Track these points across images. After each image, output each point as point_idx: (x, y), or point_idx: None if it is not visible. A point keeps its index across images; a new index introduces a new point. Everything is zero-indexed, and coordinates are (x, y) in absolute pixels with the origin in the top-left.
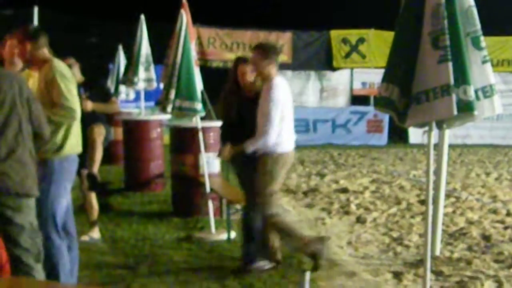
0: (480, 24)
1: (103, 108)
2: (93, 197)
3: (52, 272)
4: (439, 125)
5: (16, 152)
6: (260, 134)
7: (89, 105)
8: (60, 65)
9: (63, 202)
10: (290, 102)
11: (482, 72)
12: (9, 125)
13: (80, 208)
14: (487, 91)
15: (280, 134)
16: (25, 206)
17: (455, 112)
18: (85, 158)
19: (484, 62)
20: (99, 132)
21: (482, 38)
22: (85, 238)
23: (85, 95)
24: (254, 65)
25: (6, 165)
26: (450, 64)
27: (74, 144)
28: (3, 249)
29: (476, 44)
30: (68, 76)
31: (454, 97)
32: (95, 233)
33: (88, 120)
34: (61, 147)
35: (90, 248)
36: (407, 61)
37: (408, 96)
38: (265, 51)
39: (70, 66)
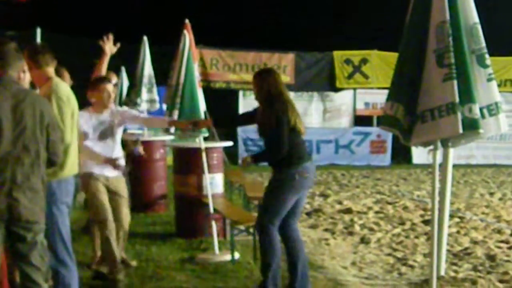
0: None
1: None
2: None
3: None
4: (444, 144)
5: (31, 180)
6: None
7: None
8: (59, 85)
9: (67, 223)
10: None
11: (487, 90)
12: (27, 152)
13: (83, 230)
14: (492, 109)
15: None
16: (35, 227)
17: (461, 131)
18: None
19: (489, 80)
20: None
21: (487, 55)
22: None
23: None
24: None
25: (20, 191)
26: (455, 82)
27: (72, 166)
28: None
29: (481, 62)
30: (64, 97)
31: (459, 115)
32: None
33: None
34: (59, 169)
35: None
36: (412, 79)
37: (413, 115)
38: None
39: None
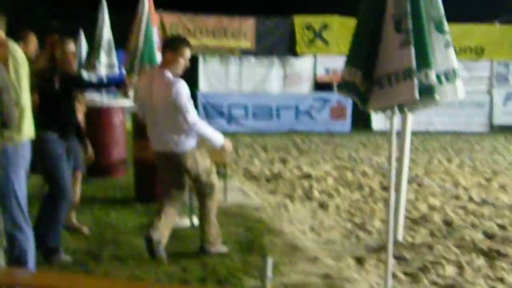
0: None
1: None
2: None
3: (20, 259)
4: (401, 109)
5: None
6: None
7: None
8: (15, 48)
9: (24, 187)
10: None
11: (445, 56)
12: None
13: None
14: (449, 76)
15: None
16: None
17: (417, 96)
18: None
19: (447, 46)
20: None
21: (445, 21)
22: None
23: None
24: None
25: None
26: (412, 47)
27: (27, 130)
28: None
29: (439, 28)
30: (20, 60)
31: (415, 81)
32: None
33: None
34: (16, 133)
35: None
36: (370, 45)
37: (370, 80)
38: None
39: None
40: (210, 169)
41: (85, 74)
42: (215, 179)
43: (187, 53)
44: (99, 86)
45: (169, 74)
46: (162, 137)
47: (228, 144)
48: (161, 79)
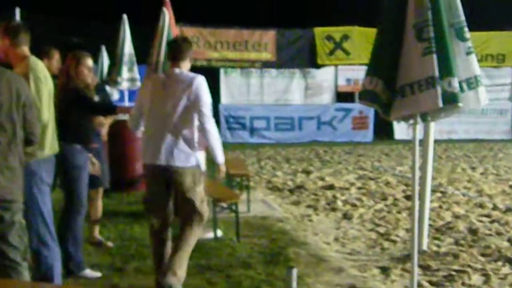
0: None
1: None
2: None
3: (46, 275)
4: (424, 118)
5: (8, 159)
6: None
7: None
8: (36, 64)
9: (49, 203)
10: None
11: (466, 64)
12: (4, 131)
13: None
14: (471, 83)
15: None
16: (13, 206)
17: (440, 104)
18: None
19: (468, 53)
20: None
21: (466, 29)
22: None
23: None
24: None
25: None
26: (434, 56)
27: (51, 145)
28: None
29: (460, 35)
30: (42, 76)
31: (439, 89)
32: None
33: None
34: (38, 149)
35: None
36: (392, 54)
37: (392, 89)
38: None
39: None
40: (204, 197)
41: (108, 89)
42: (206, 209)
43: (191, 53)
44: (105, 111)
45: (186, 71)
46: (162, 147)
47: (222, 169)
48: (179, 77)
